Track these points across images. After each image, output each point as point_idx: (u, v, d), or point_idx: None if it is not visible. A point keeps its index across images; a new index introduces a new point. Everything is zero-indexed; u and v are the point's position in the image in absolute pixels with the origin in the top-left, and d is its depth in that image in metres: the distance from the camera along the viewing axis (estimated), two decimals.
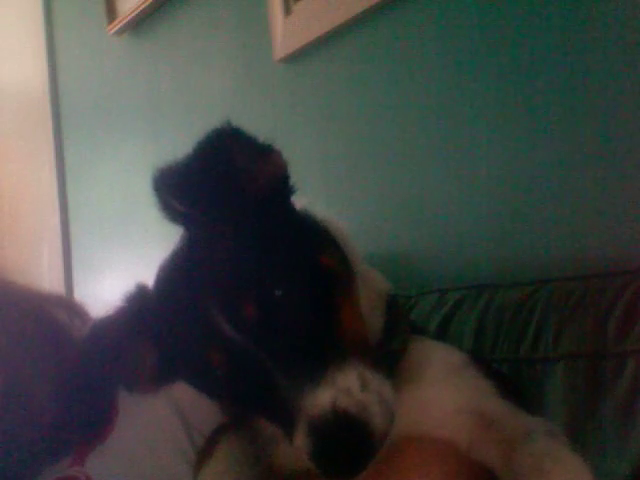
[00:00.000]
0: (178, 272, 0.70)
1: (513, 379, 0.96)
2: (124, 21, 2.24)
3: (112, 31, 2.31)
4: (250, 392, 0.66)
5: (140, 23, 2.24)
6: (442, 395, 0.73)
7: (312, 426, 0.58)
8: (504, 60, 1.24)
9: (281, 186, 0.73)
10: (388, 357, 0.73)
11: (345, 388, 0.59)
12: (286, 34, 1.65)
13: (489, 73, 1.26)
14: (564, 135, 1.15)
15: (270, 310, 0.63)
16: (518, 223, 1.23)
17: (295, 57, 1.66)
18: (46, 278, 2.75)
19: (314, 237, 0.73)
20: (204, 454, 0.78)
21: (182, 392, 0.86)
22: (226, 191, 0.68)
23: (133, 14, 2.19)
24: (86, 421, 0.85)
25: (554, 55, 1.16)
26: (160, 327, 0.70)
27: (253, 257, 0.66)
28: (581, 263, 1.12)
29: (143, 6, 2.14)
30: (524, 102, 1.21)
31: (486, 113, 1.27)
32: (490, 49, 1.26)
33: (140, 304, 0.73)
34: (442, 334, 1.09)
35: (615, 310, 0.91)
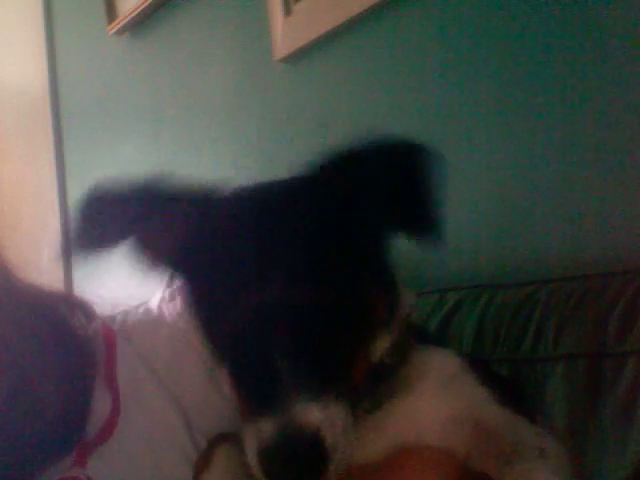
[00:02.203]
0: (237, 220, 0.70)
1: (513, 381, 0.96)
2: (124, 21, 2.24)
3: (112, 31, 2.31)
4: (244, 368, 0.66)
5: (140, 23, 2.23)
6: (438, 404, 0.73)
7: (261, 447, 0.60)
8: (504, 60, 1.24)
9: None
10: (386, 371, 0.73)
11: (313, 419, 0.59)
12: (286, 34, 1.65)
13: (489, 73, 1.26)
14: (564, 135, 1.15)
15: (305, 310, 0.64)
16: (518, 223, 1.23)
17: (295, 57, 1.66)
18: (46, 278, 2.74)
19: (380, 271, 0.75)
20: (202, 463, 0.78)
21: (186, 393, 0.86)
22: None
23: (133, 14, 2.19)
24: (87, 420, 0.85)
25: (554, 55, 1.16)
26: (207, 228, 0.69)
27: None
28: (581, 263, 1.12)
29: (143, 6, 2.14)
30: (524, 102, 1.21)
31: (486, 113, 1.27)
32: (490, 49, 1.26)
33: (205, 199, 0.72)
34: (442, 334, 1.09)
35: (615, 310, 0.91)
